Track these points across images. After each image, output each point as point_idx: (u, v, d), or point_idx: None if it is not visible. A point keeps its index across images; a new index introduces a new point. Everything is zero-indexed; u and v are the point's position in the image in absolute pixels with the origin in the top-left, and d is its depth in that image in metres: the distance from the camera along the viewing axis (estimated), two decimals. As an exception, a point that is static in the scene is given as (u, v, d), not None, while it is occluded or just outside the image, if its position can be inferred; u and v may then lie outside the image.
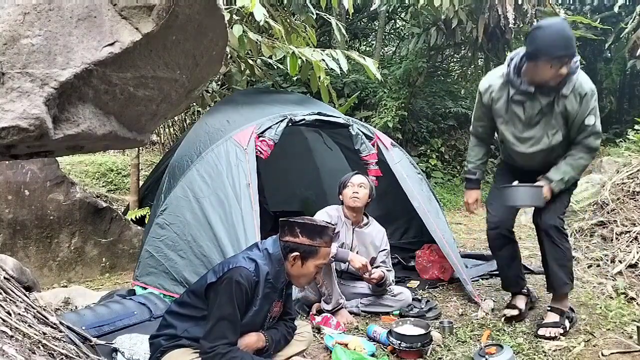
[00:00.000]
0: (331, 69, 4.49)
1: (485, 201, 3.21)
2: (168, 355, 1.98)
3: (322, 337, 2.83)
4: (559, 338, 2.76)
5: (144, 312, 2.73)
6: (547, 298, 3.45)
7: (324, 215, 3.27)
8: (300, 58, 4.25)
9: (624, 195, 4.59)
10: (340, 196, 3.38)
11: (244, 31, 4.11)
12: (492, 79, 2.83)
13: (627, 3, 8.92)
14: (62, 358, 1.60)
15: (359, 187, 3.32)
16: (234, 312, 1.89)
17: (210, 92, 5.90)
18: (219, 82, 6.35)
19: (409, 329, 2.76)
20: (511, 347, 2.58)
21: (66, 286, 3.88)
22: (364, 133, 3.87)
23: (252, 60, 5.06)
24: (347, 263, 3.15)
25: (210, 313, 1.92)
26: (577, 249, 4.47)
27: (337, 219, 3.32)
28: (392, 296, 3.31)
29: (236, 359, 1.88)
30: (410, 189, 3.76)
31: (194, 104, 6.47)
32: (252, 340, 2.04)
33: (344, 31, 5.22)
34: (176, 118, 7.34)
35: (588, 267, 4.09)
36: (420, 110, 8.74)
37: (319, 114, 3.77)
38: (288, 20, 4.82)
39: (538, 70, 2.55)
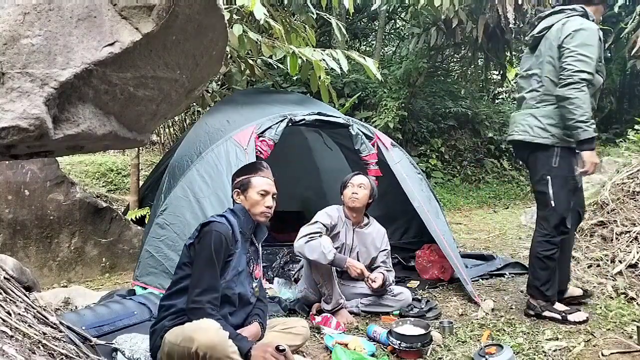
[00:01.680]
0: (331, 68, 4.49)
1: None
2: (169, 332, 1.97)
3: (322, 337, 2.83)
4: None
5: (144, 312, 2.73)
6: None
7: (324, 216, 3.26)
8: (300, 58, 4.25)
9: (624, 195, 4.59)
10: (342, 196, 3.39)
11: (244, 31, 4.11)
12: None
13: (627, 3, 8.91)
14: (62, 358, 1.60)
15: (358, 188, 3.32)
16: (213, 260, 2.04)
17: (210, 92, 5.90)
18: (219, 82, 6.35)
19: (409, 329, 2.76)
20: (511, 347, 2.58)
21: (66, 286, 3.88)
22: (364, 133, 3.87)
23: (252, 60, 5.06)
24: (346, 268, 3.13)
25: (194, 266, 2.07)
26: (577, 249, 4.47)
27: (337, 219, 3.32)
28: (392, 296, 3.31)
29: (220, 324, 1.90)
30: (410, 189, 3.76)
31: (194, 104, 6.48)
32: (254, 331, 2.17)
33: (344, 31, 5.22)
34: (176, 118, 7.34)
35: (588, 267, 4.09)
36: (421, 110, 8.74)
37: (319, 114, 3.77)
38: (288, 20, 4.81)
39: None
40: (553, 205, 2.86)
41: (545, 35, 2.89)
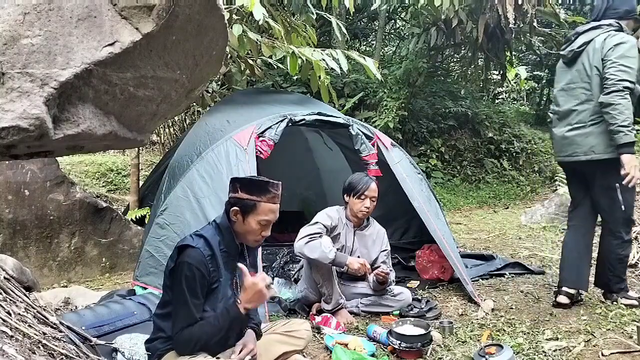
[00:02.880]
0: (331, 68, 4.49)
1: None
2: (165, 357, 1.97)
3: (322, 337, 2.83)
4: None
5: (143, 312, 2.73)
6: (547, 298, 3.46)
7: (324, 217, 3.26)
8: (300, 58, 4.25)
9: (624, 195, 4.58)
10: (347, 198, 3.31)
11: (243, 31, 4.11)
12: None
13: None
14: (62, 358, 1.60)
15: (371, 201, 3.28)
16: (186, 297, 1.89)
17: (210, 92, 5.90)
18: (219, 82, 6.35)
19: (409, 329, 2.76)
20: (511, 347, 2.58)
21: (66, 286, 3.88)
22: (364, 133, 3.87)
23: (252, 60, 5.06)
24: (346, 267, 3.13)
25: (172, 298, 1.95)
26: (577, 249, 4.47)
27: (337, 220, 3.31)
28: (392, 296, 3.31)
29: (191, 339, 1.88)
30: (410, 189, 3.76)
31: (194, 104, 6.47)
32: (251, 340, 2.07)
33: (344, 30, 5.22)
34: (176, 118, 7.34)
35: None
36: (421, 110, 8.74)
37: (319, 114, 3.77)
38: (288, 20, 4.81)
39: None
40: (623, 209, 3.05)
41: (586, 50, 3.08)
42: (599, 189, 3.15)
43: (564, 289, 3.27)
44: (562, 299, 3.25)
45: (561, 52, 3.30)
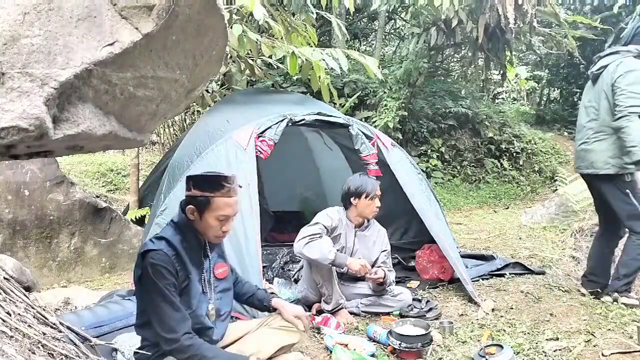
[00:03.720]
0: (331, 68, 4.49)
1: None
2: None
3: (322, 337, 2.83)
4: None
5: (143, 312, 2.73)
6: (547, 298, 3.46)
7: (325, 217, 3.25)
8: (300, 58, 4.25)
9: (624, 196, 4.58)
10: (355, 201, 3.29)
11: (243, 31, 4.11)
12: None
13: (627, 3, 8.91)
14: (62, 358, 1.60)
15: (379, 200, 3.31)
16: (164, 295, 1.85)
17: (210, 92, 5.90)
18: (219, 82, 6.35)
19: (409, 329, 2.76)
20: (511, 347, 2.58)
21: (66, 286, 3.88)
22: (364, 133, 3.87)
23: (252, 60, 5.06)
24: (346, 268, 3.13)
25: (149, 304, 1.89)
26: (577, 249, 4.48)
27: (338, 221, 3.30)
28: (392, 296, 3.31)
29: (200, 354, 1.86)
30: (410, 189, 3.76)
31: (194, 104, 6.47)
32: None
33: (344, 30, 5.22)
34: (176, 118, 7.34)
35: (588, 267, 4.08)
36: (421, 110, 8.73)
37: (319, 114, 3.77)
38: (288, 20, 4.81)
39: None
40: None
41: (602, 73, 3.30)
42: (611, 198, 3.34)
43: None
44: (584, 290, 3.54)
45: (588, 72, 3.56)
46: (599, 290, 3.46)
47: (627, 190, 3.22)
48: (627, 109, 3.08)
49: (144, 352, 1.99)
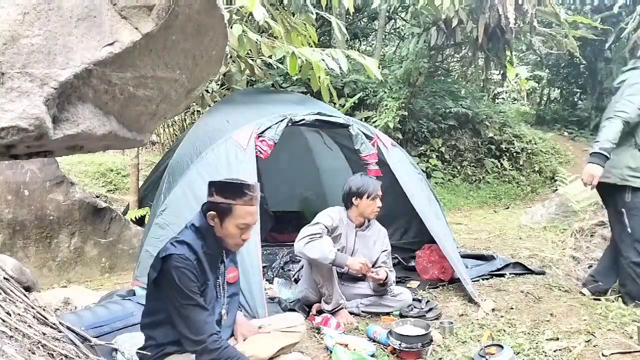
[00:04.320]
0: (331, 68, 4.49)
1: None
2: None
3: (322, 337, 2.83)
4: None
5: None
6: (547, 298, 3.46)
7: (325, 217, 3.25)
8: (300, 58, 4.25)
9: (624, 196, 4.58)
10: (357, 201, 3.29)
11: (243, 31, 4.11)
12: None
13: (627, 3, 8.91)
14: (62, 358, 1.60)
15: (380, 200, 3.30)
16: (189, 296, 1.85)
17: (210, 92, 5.90)
18: (219, 82, 6.34)
19: (409, 329, 2.76)
20: (511, 347, 2.58)
21: (66, 286, 3.88)
22: (364, 133, 3.87)
23: (252, 60, 5.06)
24: (347, 268, 3.13)
25: (169, 309, 1.89)
26: (577, 249, 4.48)
27: (338, 221, 3.30)
28: (392, 296, 3.31)
29: (228, 355, 1.87)
30: (411, 189, 3.76)
31: (194, 104, 6.47)
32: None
33: (344, 30, 5.22)
34: (176, 118, 7.34)
35: (588, 267, 4.09)
36: (421, 110, 8.73)
37: (319, 114, 3.77)
38: (288, 20, 4.81)
39: None
40: (630, 232, 3.26)
41: (620, 87, 3.36)
42: (611, 212, 3.42)
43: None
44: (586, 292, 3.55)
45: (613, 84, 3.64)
46: (599, 292, 3.47)
47: (622, 210, 3.25)
48: (616, 112, 3.17)
49: (146, 352, 1.99)
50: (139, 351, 2.03)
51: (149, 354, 1.98)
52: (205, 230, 1.99)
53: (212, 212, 1.97)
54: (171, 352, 1.96)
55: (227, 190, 1.98)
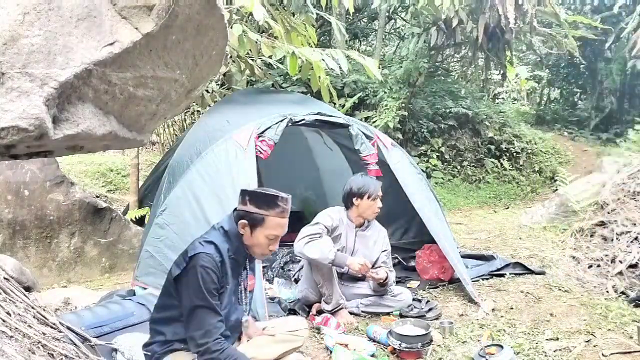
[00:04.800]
0: (331, 68, 4.49)
1: None
2: None
3: (322, 338, 2.83)
4: None
5: (143, 312, 2.73)
6: (547, 298, 3.45)
7: (325, 217, 3.25)
8: (300, 58, 4.25)
9: (625, 196, 4.58)
10: (357, 201, 3.29)
11: (243, 31, 4.11)
12: None
13: (627, 3, 8.93)
14: (62, 358, 1.60)
15: (380, 201, 3.30)
16: (205, 297, 1.87)
17: (210, 92, 5.89)
18: (219, 82, 6.34)
19: (409, 329, 2.76)
20: (511, 347, 2.58)
21: (66, 286, 3.88)
22: (364, 133, 3.87)
23: (252, 60, 5.05)
24: (347, 268, 3.13)
25: (183, 306, 1.90)
26: (577, 249, 4.47)
27: (338, 221, 3.30)
28: (392, 296, 3.31)
29: (229, 358, 1.87)
30: (410, 189, 3.76)
31: (194, 104, 6.47)
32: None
33: (344, 31, 5.22)
34: (176, 118, 7.34)
35: (588, 267, 4.09)
36: (421, 110, 8.73)
37: (319, 114, 3.77)
38: (288, 20, 4.81)
39: None
40: None
41: None
42: None
43: None
44: None
45: None
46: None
47: None
48: None
49: (152, 347, 2.00)
50: (145, 347, 2.04)
51: (157, 349, 1.98)
52: (234, 236, 2.01)
53: (243, 221, 2.00)
54: (178, 349, 1.97)
55: (261, 201, 2.00)
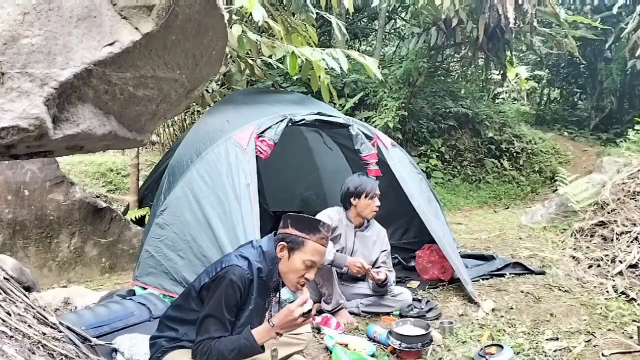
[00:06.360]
0: (331, 68, 4.49)
1: None
2: (169, 355, 1.99)
3: (322, 338, 2.83)
4: None
5: (143, 312, 2.73)
6: (547, 298, 3.46)
7: (325, 217, 3.24)
8: (300, 58, 4.24)
9: (625, 196, 4.59)
10: (355, 201, 3.29)
11: (243, 31, 4.11)
12: None
13: (627, 3, 8.92)
14: (62, 358, 1.60)
15: (378, 200, 3.30)
16: (222, 310, 1.88)
17: (210, 92, 5.89)
18: (219, 82, 6.34)
19: (409, 329, 2.76)
20: (511, 347, 2.58)
21: (66, 286, 3.87)
22: (364, 133, 3.87)
23: (252, 60, 5.05)
24: (346, 268, 3.13)
25: (204, 309, 1.93)
26: (577, 249, 4.47)
27: (338, 221, 3.30)
28: (392, 296, 3.31)
29: (212, 351, 1.87)
30: (411, 189, 3.76)
31: (194, 104, 6.47)
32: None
33: (344, 30, 5.21)
34: (176, 118, 7.33)
35: (588, 267, 4.09)
36: (421, 110, 8.73)
37: (319, 114, 3.77)
38: (288, 20, 4.81)
39: None
40: None
41: None
42: None
43: None
44: None
45: None
46: None
47: None
48: None
49: (160, 340, 2.02)
50: (152, 339, 2.06)
51: (164, 343, 2.00)
52: (270, 258, 2.01)
53: (282, 243, 1.99)
54: (186, 347, 1.98)
55: (303, 224, 2.01)
